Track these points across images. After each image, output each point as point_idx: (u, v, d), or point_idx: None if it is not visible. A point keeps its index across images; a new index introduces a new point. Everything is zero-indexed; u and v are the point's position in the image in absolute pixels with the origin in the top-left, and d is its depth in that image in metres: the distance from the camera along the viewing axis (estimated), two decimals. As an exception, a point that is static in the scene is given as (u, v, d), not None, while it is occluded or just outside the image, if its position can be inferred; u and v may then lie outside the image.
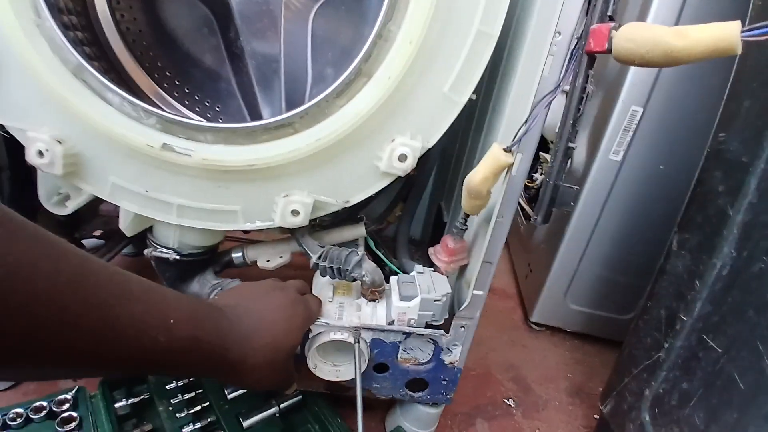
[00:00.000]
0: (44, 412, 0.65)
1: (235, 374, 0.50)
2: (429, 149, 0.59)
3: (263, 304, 0.55)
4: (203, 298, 0.71)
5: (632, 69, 0.90)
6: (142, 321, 0.39)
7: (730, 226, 0.58)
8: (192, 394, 0.73)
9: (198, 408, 0.71)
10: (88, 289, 0.35)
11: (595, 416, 0.98)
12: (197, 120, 0.64)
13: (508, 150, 0.53)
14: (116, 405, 0.69)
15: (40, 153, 0.55)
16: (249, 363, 0.50)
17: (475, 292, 0.65)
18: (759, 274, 0.54)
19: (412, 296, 0.63)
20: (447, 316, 0.67)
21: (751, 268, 0.55)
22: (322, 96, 0.54)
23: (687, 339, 0.64)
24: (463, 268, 0.72)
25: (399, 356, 0.68)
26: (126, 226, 0.65)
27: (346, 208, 0.64)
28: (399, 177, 0.60)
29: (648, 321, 0.72)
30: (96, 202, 0.64)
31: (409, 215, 0.87)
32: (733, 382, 0.55)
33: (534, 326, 1.23)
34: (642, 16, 0.87)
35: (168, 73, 0.76)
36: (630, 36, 0.40)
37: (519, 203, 0.88)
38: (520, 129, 0.52)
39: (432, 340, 0.67)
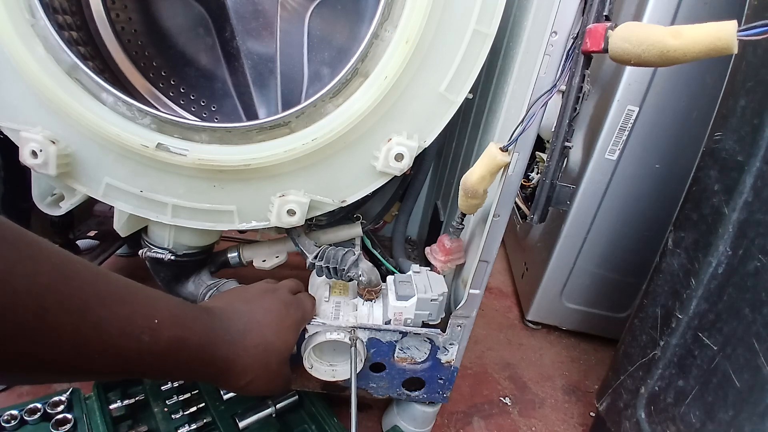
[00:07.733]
0: (39, 414, 0.65)
1: (228, 377, 0.49)
2: (425, 148, 0.59)
3: (254, 306, 0.55)
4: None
5: (628, 68, 0.90)
6: (126, 321, 0.38)
7: (726, 225, 0.58)
8: (188, 395, 0.73)
9: (194, 409, 0.70)
10: (69, 290, 0.34)
11: (591, 414, 0.98)
12: (192, 120, 0.64)
13: (504, 149, 0.53)
14: (111, 406, 0.68)
15: (34, 153, 0.54)
16: (240, 365, 0.49)
17: (471, 291, 0.65)
18: (754, 272, 0.54)
19: (409, 296, 0.63)
20: (443, 315, 0.67)
21: (747, 266, 0.55)
22: (318, 95, 0.54)
23: (682, 337, 0.64)
24: (459, 268, 0.72)
25: (395, 355, 0.68)
26: (120, 226, 0.65)
27: (342, 207, 0.63)
28: (395, 176, 0.60)
29: (643, 319, 0.72)
30: (90, 202, 0.63)
31: (406, 215, 0.87)
32: (729, 380, 0.55)
33: (530, 325, 1.24)
34: (638, 16, 0.87)
35: (163, 73, 0.76)
36: (626, 36, 0.40)
37: (515, 202, 0.89)
38: (516, 128, 0.52)
39: (428, 339, 0.67)
